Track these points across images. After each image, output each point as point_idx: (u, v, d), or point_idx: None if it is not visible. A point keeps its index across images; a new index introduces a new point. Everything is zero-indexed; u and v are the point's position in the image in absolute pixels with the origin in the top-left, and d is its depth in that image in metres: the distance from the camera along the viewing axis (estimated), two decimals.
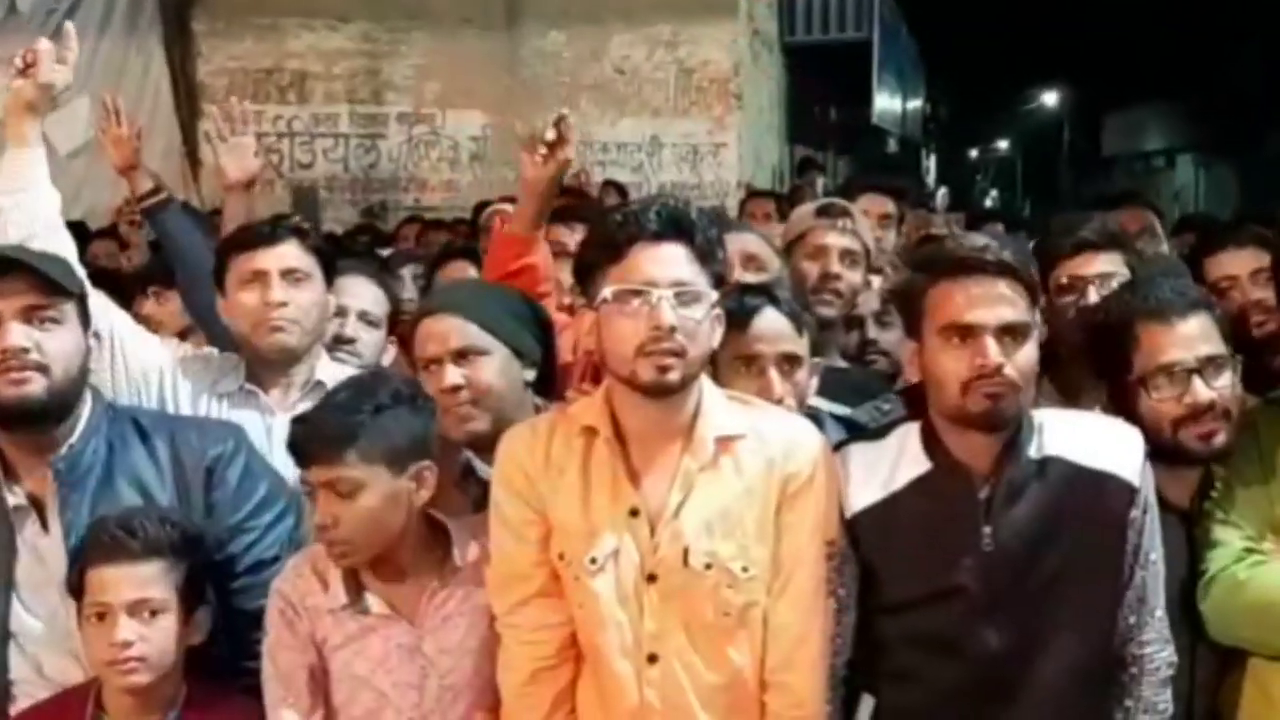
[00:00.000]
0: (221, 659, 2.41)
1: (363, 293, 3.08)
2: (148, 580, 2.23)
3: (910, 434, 2.21)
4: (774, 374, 2.44)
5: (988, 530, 2.11)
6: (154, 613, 2.23)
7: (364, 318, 3.05)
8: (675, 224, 2.09)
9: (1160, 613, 2.21)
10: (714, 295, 2.12)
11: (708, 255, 2.12)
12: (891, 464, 2.20)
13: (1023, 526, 2.12)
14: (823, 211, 3.33)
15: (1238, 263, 3.34)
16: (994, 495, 2.13)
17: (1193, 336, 2.31)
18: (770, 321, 2.46)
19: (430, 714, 2.27)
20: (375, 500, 2.21)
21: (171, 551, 2.26)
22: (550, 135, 2.80)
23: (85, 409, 2.44)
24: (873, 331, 3.31)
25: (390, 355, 3.08)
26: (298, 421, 2.26)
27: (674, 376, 2.05)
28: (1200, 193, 23.58)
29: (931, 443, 2.18)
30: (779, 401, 2.41)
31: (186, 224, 3.47)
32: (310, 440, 2.21)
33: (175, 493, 2.43)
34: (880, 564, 2.18)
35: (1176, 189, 24.12)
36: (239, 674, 2.39)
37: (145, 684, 2.25)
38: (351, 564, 2.24)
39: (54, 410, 2.36)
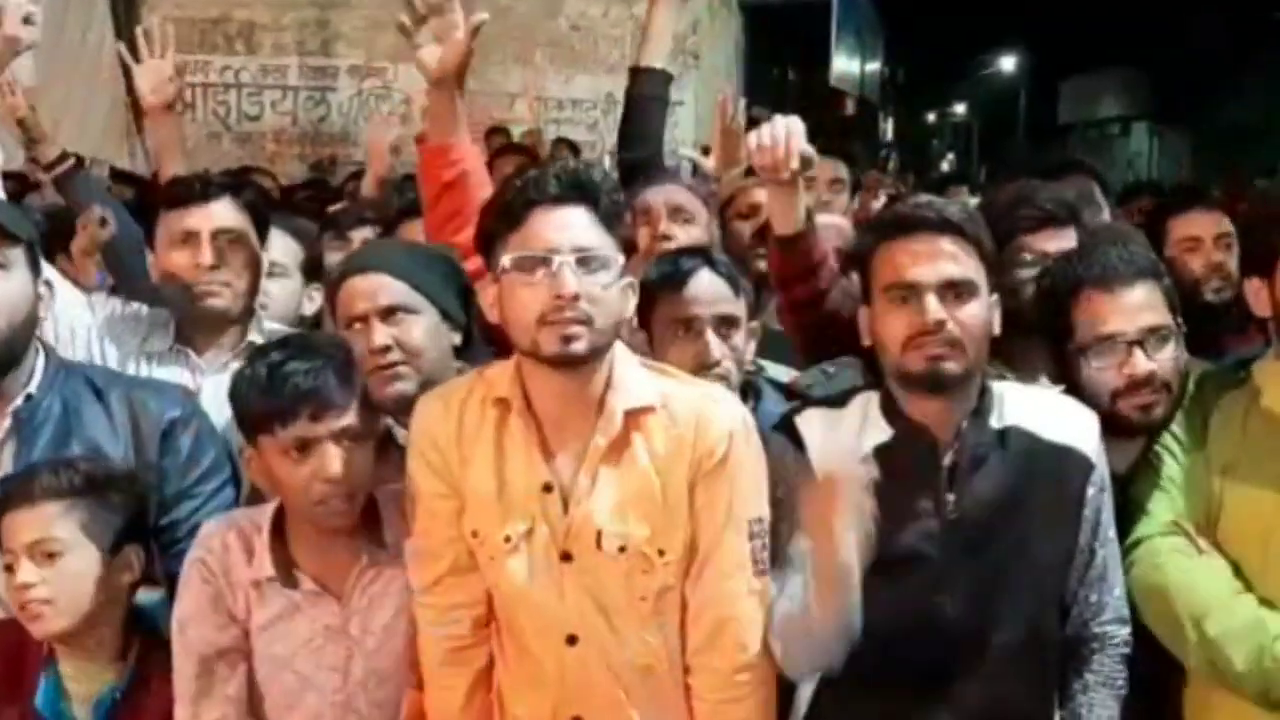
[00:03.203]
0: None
1: (269, 243, 2.91)
2: (44, 521, 2.17)
3: (871, 402, 2.17)
4: (711, 336, 2.38)
5: (951, 498, 2.08)
6: (52, 554, 2.17)
7: (271, 269, 2.90)
8: (576, 186, 1.98)
9: (1119, 590, 2.19)
10: (620, 260, 2.01)
11: (613, 218, 2.01)
12: (854, 432, 2.15)
13: (986, 495, 2.08)
14: (753, 170, 3.27)
15: (1203, 224, 3.33)
16: (958, 463, 2.09)
17: (1136, 306, 2.27)
18: (706, 283, 2.41)
19: (354, 697, 2.19)
20: (370, 451, 2.17)
21: (71, 492, 2.19)
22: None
23: (39, 361, 2.38)
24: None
25: (315, 304, 2.97)
26: (281, 377, 2.11)
27: (579, 347, 1.95)
28: (1153, 160, 23.78)
29: (892, 409, 2.14)
30: (717, 364, 2.36)
31: (95, 189, 3.37)
32: (317, 391, 2.11)
33: (131, 454, 2.37)
34: None
35: (1129, 156, 24.30)
36: None
37: (59, 630, 2.19)
38: (345, 523, 2.16)
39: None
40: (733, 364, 2.39)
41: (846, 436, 2.14)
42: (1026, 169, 4.94)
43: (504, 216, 1.99)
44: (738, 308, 2.44)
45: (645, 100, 3.31)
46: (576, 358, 1.96)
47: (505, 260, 1.97)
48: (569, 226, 1.96)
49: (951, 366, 2.03)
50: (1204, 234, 3.36)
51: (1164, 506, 2.27)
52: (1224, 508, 2.25)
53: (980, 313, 2.06)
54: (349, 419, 2.13)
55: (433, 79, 2.57)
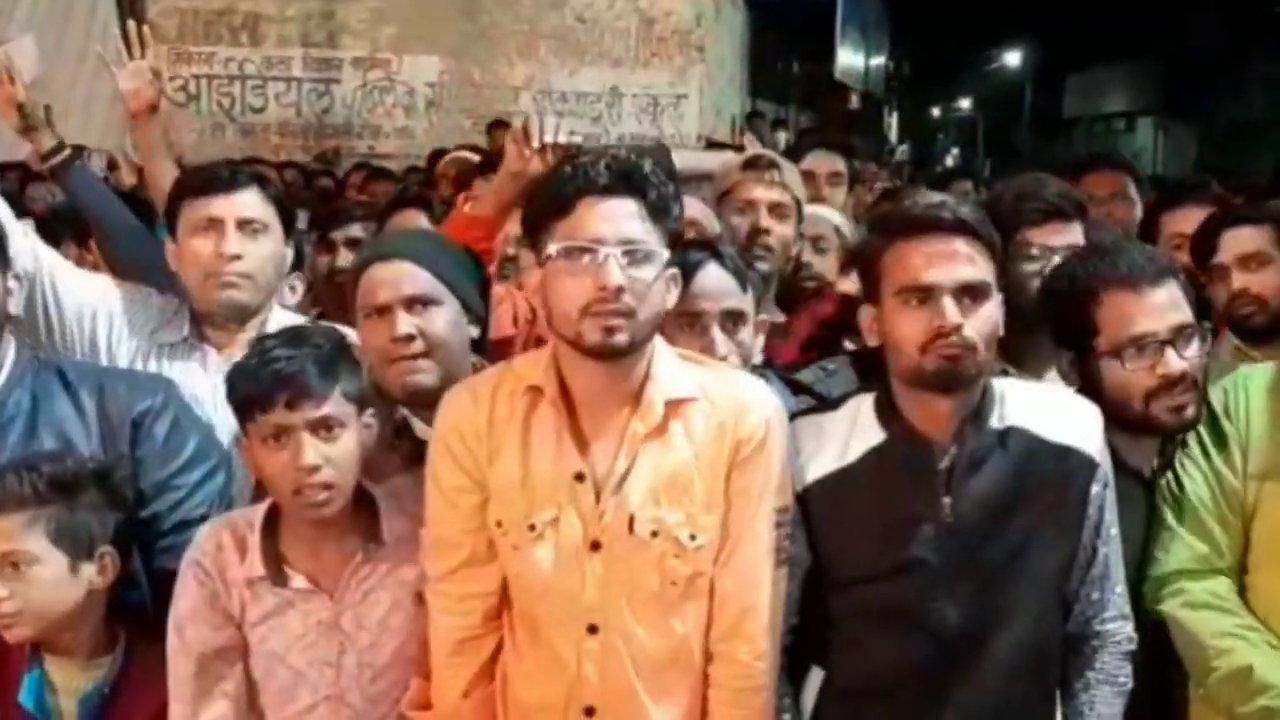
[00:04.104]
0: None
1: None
2: (10, 533, 2.14)
3: (864, 404, 2.15)
4: (717, 332, 2.37)
5: (947, 501, 2.05)
6: (20, 565, 2.14)
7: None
8: (626, 178, 1.98)
9: (1121, 588, 2.18)
10: (665, 254, 2.01)
11: (661, 212, 2.01)
12: (845, 436, 2.13)
13: (983, 498, 2.06)
14: (750, 164, 3.26)
15: (1194, 221, 3.30)
16: (955, 466, 2.07)
17: (1164, 305, 2.25)
18: (713, 278, 2.39)
19: (347, 691, 2.18)
20: (353, 442, 2.15)
21: (37, 500, 2.16)
22: (550, 138, 2.65)
23: (8, 357, 2.34)
24: (807, 255, 3.26)
25: (297, 295, 2.88)
26: (263, 365, 2.12)
27: (621, 339, 1.95)
28: (1159, 155, 23.75)
29: (887, 412, 2.12)
30: (722, 360, 2.35)
31: (92, 180, 3.32)
32: (293, 379, 2.10)
33: (101, 447, 2.33)
34: (834, 537, 2.12)
35: (1135, 151, 24.27)
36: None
37: (29, 637, 2.18)
38: (332, 512, 2.15)
39: None
40: (738, 359, 2.38)
41: (833, 441, 2.14)
42: (1039, 163, 4.88)
43: (553, 203, 1.99)
44: (745, 302, 2.43)
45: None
46: (618, 349, 1.97)
47: (552, 249, 1.97)
48: (617, 218, 1.96)
49: (966, 368, 2.03)
50: (1187, 230, 3.34)
51: (1194, 531, 2.26)
52: (1259, 512, 2.23)
53: (993, 314, 2.05)
54: (326, 409, 2.12)
55: (513, 171, 2.66)
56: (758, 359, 2.53)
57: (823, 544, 2.13)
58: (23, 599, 2.14)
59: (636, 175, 1.99)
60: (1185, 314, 2.26)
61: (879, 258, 2.07)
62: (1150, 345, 2.23)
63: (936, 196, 2.12)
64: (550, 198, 2.00)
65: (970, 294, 2.01)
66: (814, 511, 2.12)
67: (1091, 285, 2.27)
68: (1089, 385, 2.27)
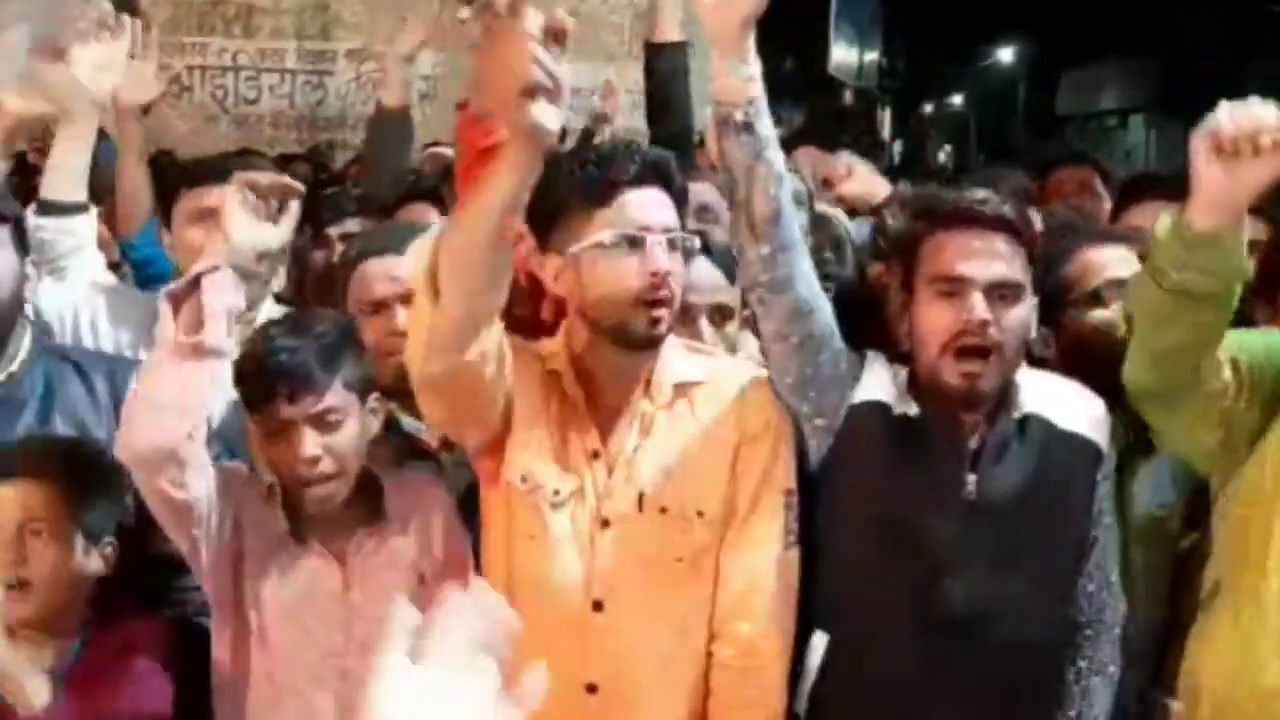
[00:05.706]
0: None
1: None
2: (47, 501, 2.16)
3: (900, 375, 2.17)
4: (705, 325, 2.39)
5: (972, 479, 2.07)
6: (45, 536, 2.15)
7: None
8: (656, 169, 2.05)
9: (1114, 576, 2.20)
10: (696, 243, 2.11)
11: (681, 202, 2.09)
12: (885, 388, 2.16)
13: (1006, 484, 2.09)
14: None
15: (1145, 215, 3.36)
16: (982, 448, 2.09)
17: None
18: (703, 272, 2.41)
19: (355, 663, 2.19)
20: (355, 431, 2.18)
21: (67, 476, 2.18)
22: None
23: (24, 341, 2.36)
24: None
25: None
26: (265, 356, 2.14)
27: (663, 329, 2.03)
28: (1151, 153, 23.74)
29: (920, 389, 2.13)
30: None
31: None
32: (294, 373, 2.12)
33: (115, 429, 2.35)
34: (863, 465, 2.12)
35: (1127, 148, 24.25)
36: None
37: (31, 614, 2.18)
38: (334, 503, 2.19)
39: None
40: (724, 353, 2.40)
41: (872, 389, 2.13)
42: (1033, 160, 4.99)
43: (585, 191, 2.02)
44: (733, 297, 2.44)
45: (666, 74, 3.35)
46: (659, 339, 2.04)
47: (604, 236, 2.00)
48: (657, 207, 2.03)
49: (986, 384, 2.05)
50: (1146, 224, 3.39)
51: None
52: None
53: (1024, 316, 2.07)
54: (328, 401, 2.13)
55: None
56: (744, 353, 2.55)
57: (844, 461, 2.12)
58: (28, 571, 2.14)
59: (665, 166, 2.06)
60: None
61: (917, 245, 2.09)
62: (1118, 290, 2.29)
63: (981, 189, 2.13)
64: (579, 186, 2.02)
65: (1002, 293, 2.02)
66: (859, 427, 2.12)
67: (1069, 246, 2.32)
68: (1067, 355, 2.30)
